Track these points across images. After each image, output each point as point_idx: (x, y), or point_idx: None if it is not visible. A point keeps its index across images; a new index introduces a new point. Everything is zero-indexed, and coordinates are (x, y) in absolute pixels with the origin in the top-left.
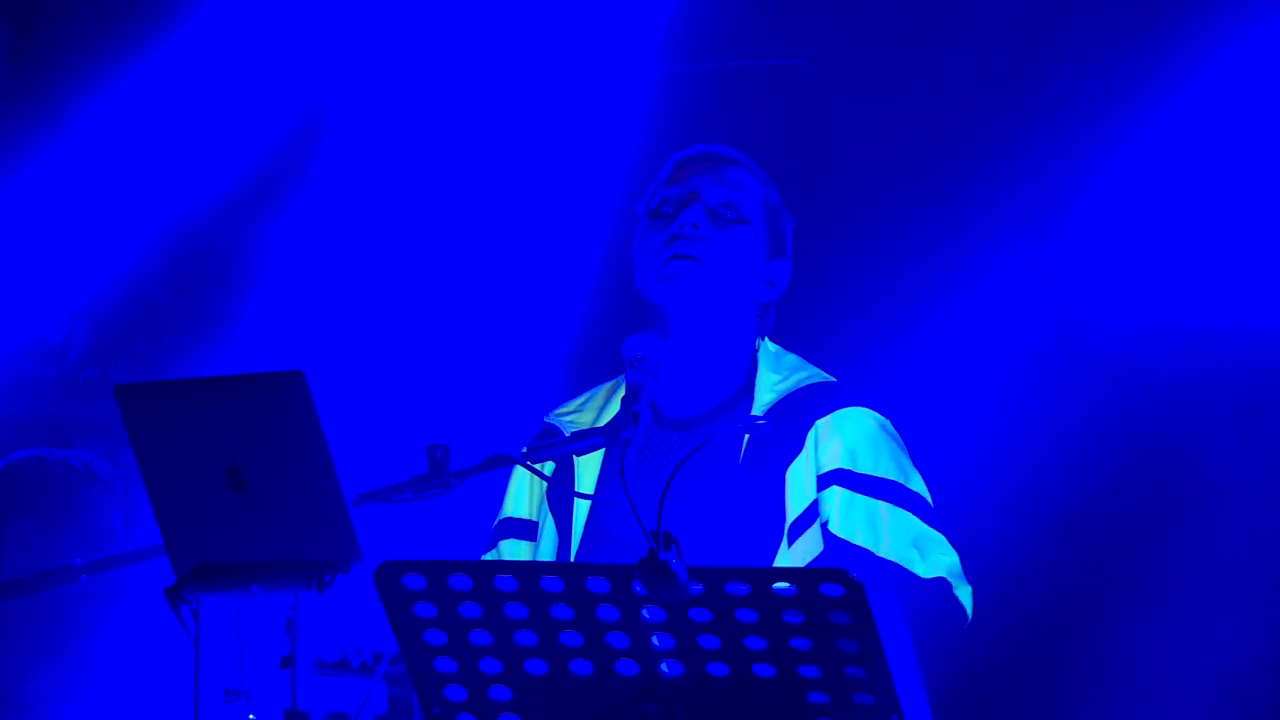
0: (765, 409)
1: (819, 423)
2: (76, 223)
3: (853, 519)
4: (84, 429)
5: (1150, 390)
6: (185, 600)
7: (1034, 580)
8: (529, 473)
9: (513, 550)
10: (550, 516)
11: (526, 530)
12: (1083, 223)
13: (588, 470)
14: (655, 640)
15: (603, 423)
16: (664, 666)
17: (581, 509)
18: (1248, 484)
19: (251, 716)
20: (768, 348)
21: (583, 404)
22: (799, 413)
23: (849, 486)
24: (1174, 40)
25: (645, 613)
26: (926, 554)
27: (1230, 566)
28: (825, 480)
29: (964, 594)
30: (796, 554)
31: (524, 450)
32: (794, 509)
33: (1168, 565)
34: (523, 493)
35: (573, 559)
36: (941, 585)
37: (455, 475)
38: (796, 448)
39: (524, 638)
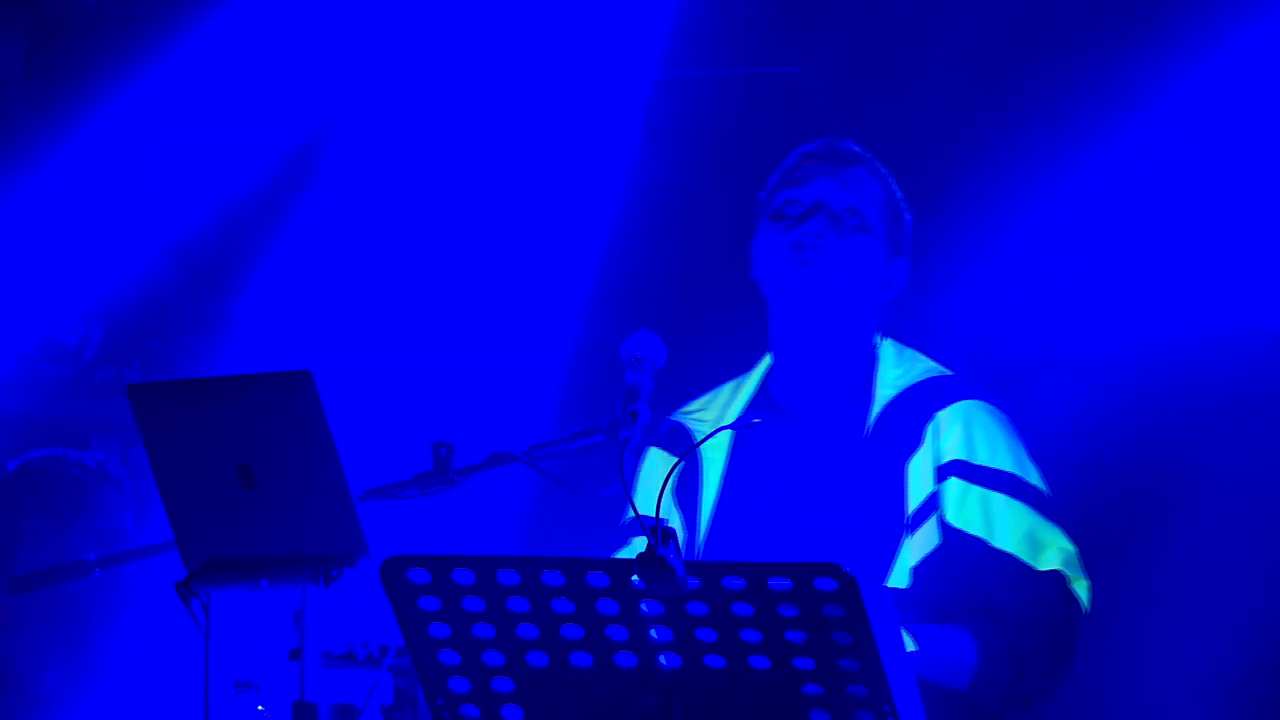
0: (885, 403)
1: (938, 415)
2: (91, 225)
3: (968, 510)
4: (98, 427)
5: (1140, 392)
6: (196, 594)
7: None
8: (658, 467)
9: (643, 546)
10: (678, 514)
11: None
12: (1072, 226)
13: (713, 468)
14: (653, 633)
15: (728, 419)
16: (662, 659)
17: (706, 506)
18: (1237, 480)
19: (261, 707)
20: (888, 346)
21: (707, 402)
22: (918, 406)
23: (966, 478)
24: (1164, 50)
25: (644, 606)
26: (1041, 546)
27: (1221, 564)
28: (943, 472)
29: (1080, 587)
30: (916, 546)
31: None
32: (914, 501)
33: (1158, 565)
34: (651, 489)
35: (699, 555)
36: (1056, 578)
37: (459, 472)
38: (916, 441)
39: (526, 631)
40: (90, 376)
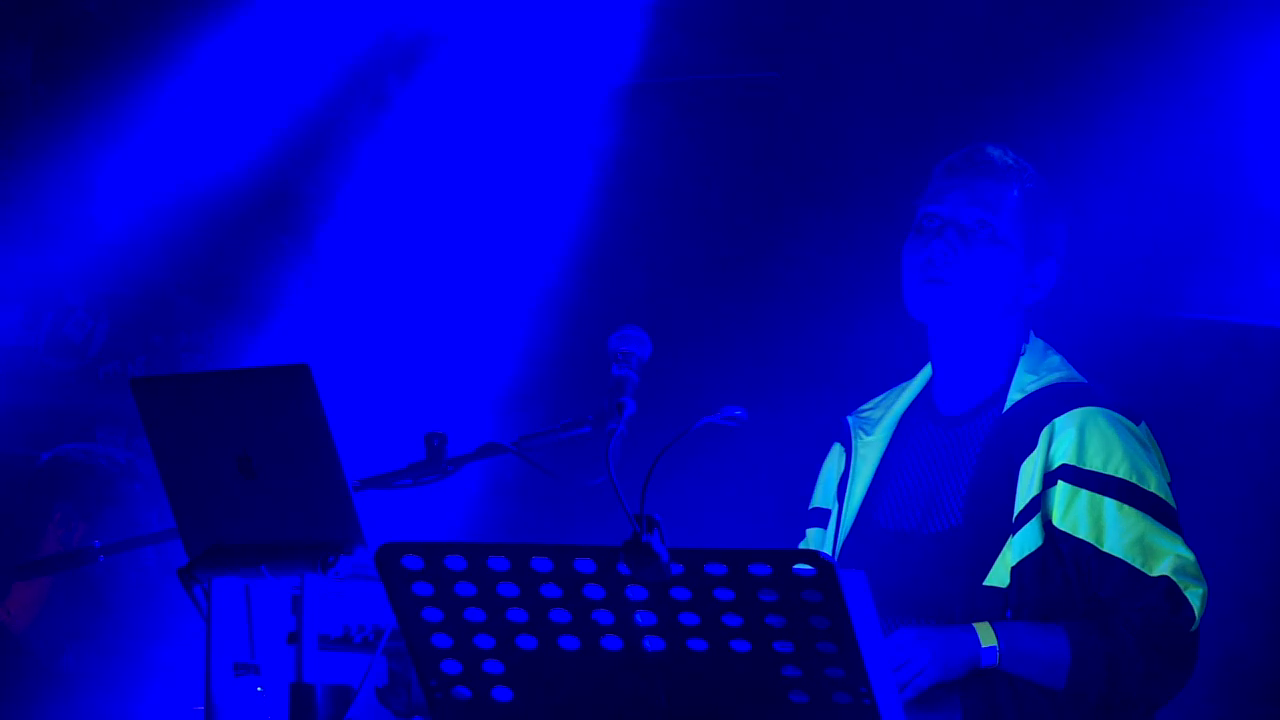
0: (1011, 406)
1: (1056, 421)
2: (96, 226)
3: (1075, 513)
4: (103, 419)
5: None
6: (198, 580)
7: None
8: (834, 462)
9: (816, 538)
10: (836, 505)
11: (823, 518)
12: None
13: (865, 464)
14: (638, 617)
15: (890, 418)
16: (646, 642)
17: (853, 500)
18: (1210, 472)
19: (260, 689)
20: (1035, 347)
21: (878, 403)
22: (1039, 411)
23: (1073, 482)
24: (1147, 55)
25: (629, 592)
26: (1153, 553)
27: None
28: (1052, 476)
29: (1193, 595)
30: (1017, 546)
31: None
32: (1020, 502)
33: None
34: (828, 483)
35: (838, 549)
36: (1166, 584)
37: (451, 462)
38: (1031, 445)
39: (515, 615)
40: (96, 370)
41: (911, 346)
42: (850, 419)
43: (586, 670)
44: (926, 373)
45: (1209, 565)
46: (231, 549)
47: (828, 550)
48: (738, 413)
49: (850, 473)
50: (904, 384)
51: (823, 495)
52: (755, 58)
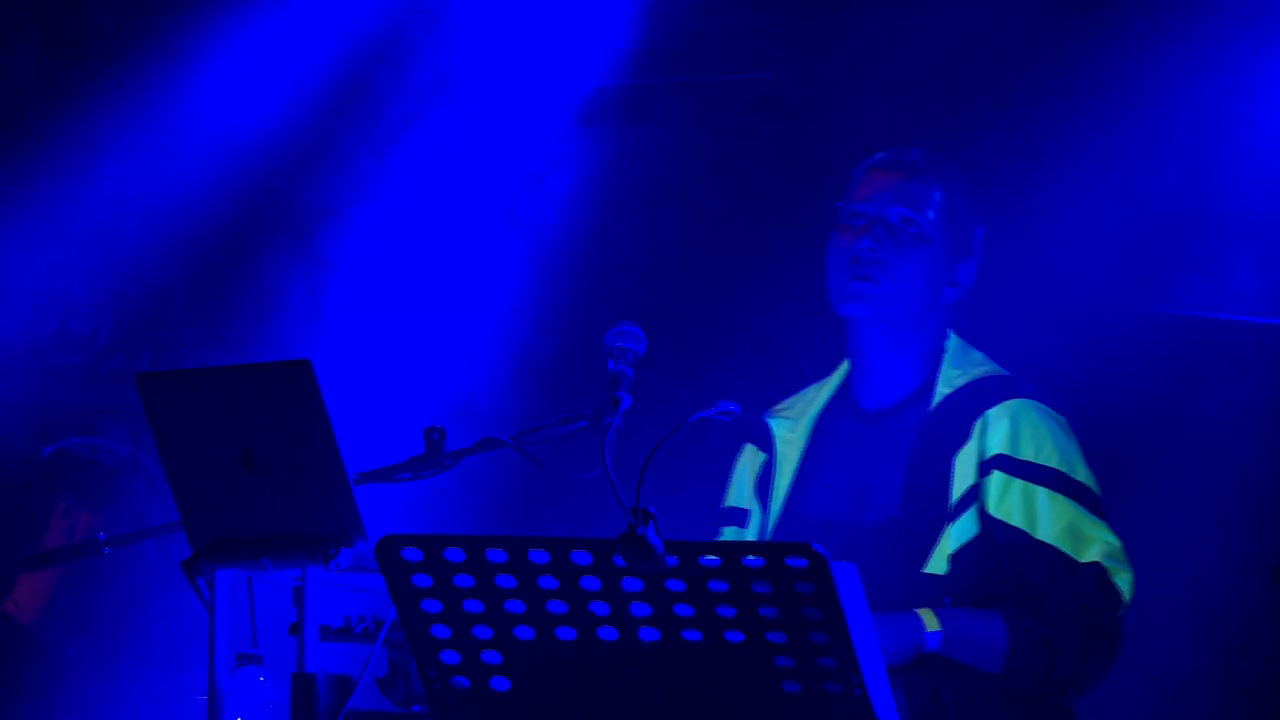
0: (941, 400)
1: (988, 413)
2: (103, 223)
3: (1009, 502)
4: (108, 414)
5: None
6: (201, 572)
7: None
8: (748, 462)
9: (732, 536)
10: (758, 503)
11: (740, 518)
12: (1047, 224)
13: (788, 463)
14: (634, 609)
15: (809, 415)
16: (642, 633)
17: (778, 496)
18: (1193, 461)
19: (262, 679)
20: (954, 344)
21: (794, 401)
22: (970, 404)
23: (1008, 471)
24: (1140, 56)
25: (625, 583)
26: (1083, 539)
27: (1179, 547)
28: (987, 466)
29: (1122, 580)
30: (955, 535)
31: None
32: (956, 492)
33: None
34: (742, 482)
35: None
36: (1096, 570)
37: (450, 456)
38: (965, 436)
39: (513, 606)
40: (101, 365)
41: (826, 342)
42: (768, 418)
43: (583, 660)
44: (844, 369)
45: (1194, 560)
46: (234, 541)
47: None
48: (732, 408)
49: (773, 470)
50: (819, 382)
51: (737, 495)
52: (750, 59)
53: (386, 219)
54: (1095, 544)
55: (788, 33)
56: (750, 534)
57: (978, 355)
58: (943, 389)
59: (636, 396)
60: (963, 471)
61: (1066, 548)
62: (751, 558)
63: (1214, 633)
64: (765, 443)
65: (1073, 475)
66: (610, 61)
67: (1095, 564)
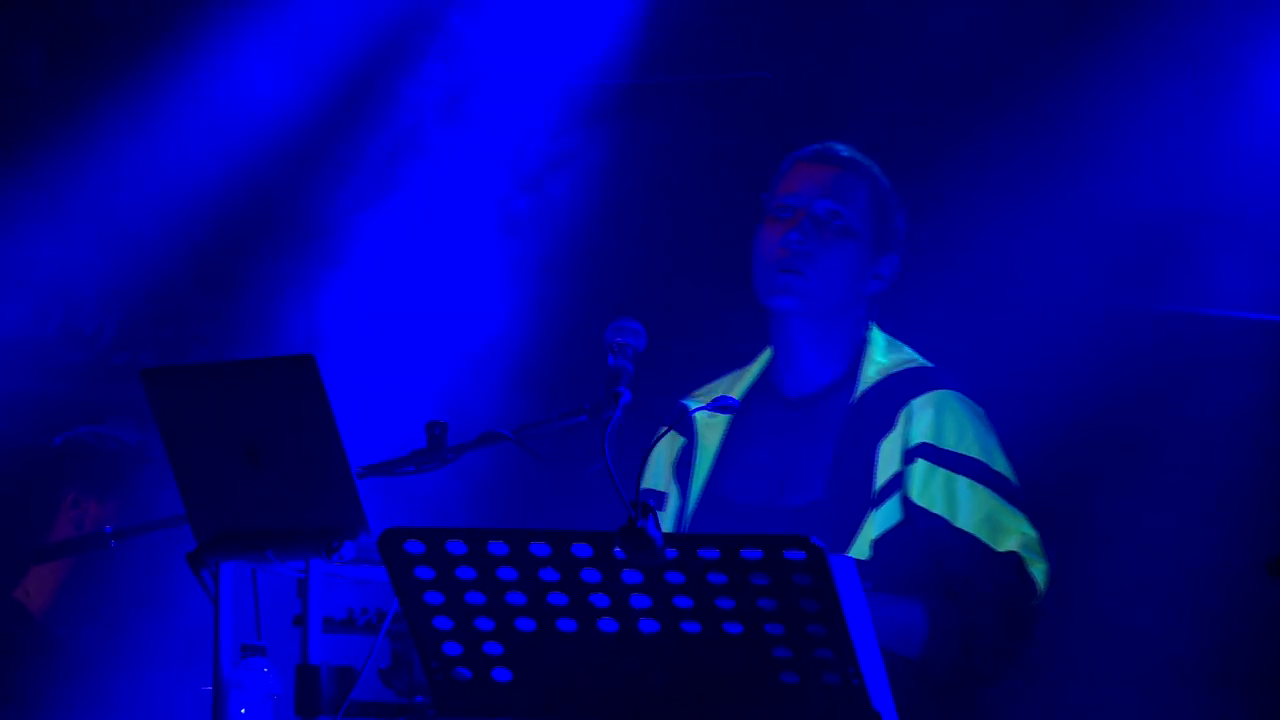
0: (865, 389)
1: (912, 402)
2: (108, 222)
3: (932, 490)
4: (114, 409)
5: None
6: (206, 564)
7: None
8: (665, 446)
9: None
10: (676, 487)
11: (657, 500)
12: (1038, 222)
13: (708, 448)
14: (634, 600)
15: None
16: (642, 624)
17: (698, 478)
18: (1175, 454)
19: (266, 669)
20: (877, 335)
21: (713, 387)
22: (895, 394)
23: (931, 460)
24: (1133, 57)
25: (625, 575)
26: (1002, 529)
27: (1163, 540)
28: (911, 454)
29: (1037, 570)
30: (878, 521)
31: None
32: (880, 479)
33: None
34: (658, 465)
35: (686, 525)
36: (1013, 559)
37: (452, 450)
38: (889, 424)
39: (514, 598)
40: (107, 361)
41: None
42: (689, 403)
43: (584, 651)
44: (766, 356)
45: (1186, 554)
46: (239, 534)
47: (669, 528)
48: (730, 402)
49: (693, 454)
50: (740, 369)
51: (653, 478)
52: (747, 58)
53: (389, 218)
54: (1013, 534)
55: (789, 31)
56: (668, 516)
57: (901, 346)
58: (868, 378)
59: (636, 391)
60: (887, 459)
61: (985, 537)
62: (750, 550)
63: (1206, 625)
64: (684, 427)
65: (993, 466)
66: (610, 61)
67: (1012, 554)
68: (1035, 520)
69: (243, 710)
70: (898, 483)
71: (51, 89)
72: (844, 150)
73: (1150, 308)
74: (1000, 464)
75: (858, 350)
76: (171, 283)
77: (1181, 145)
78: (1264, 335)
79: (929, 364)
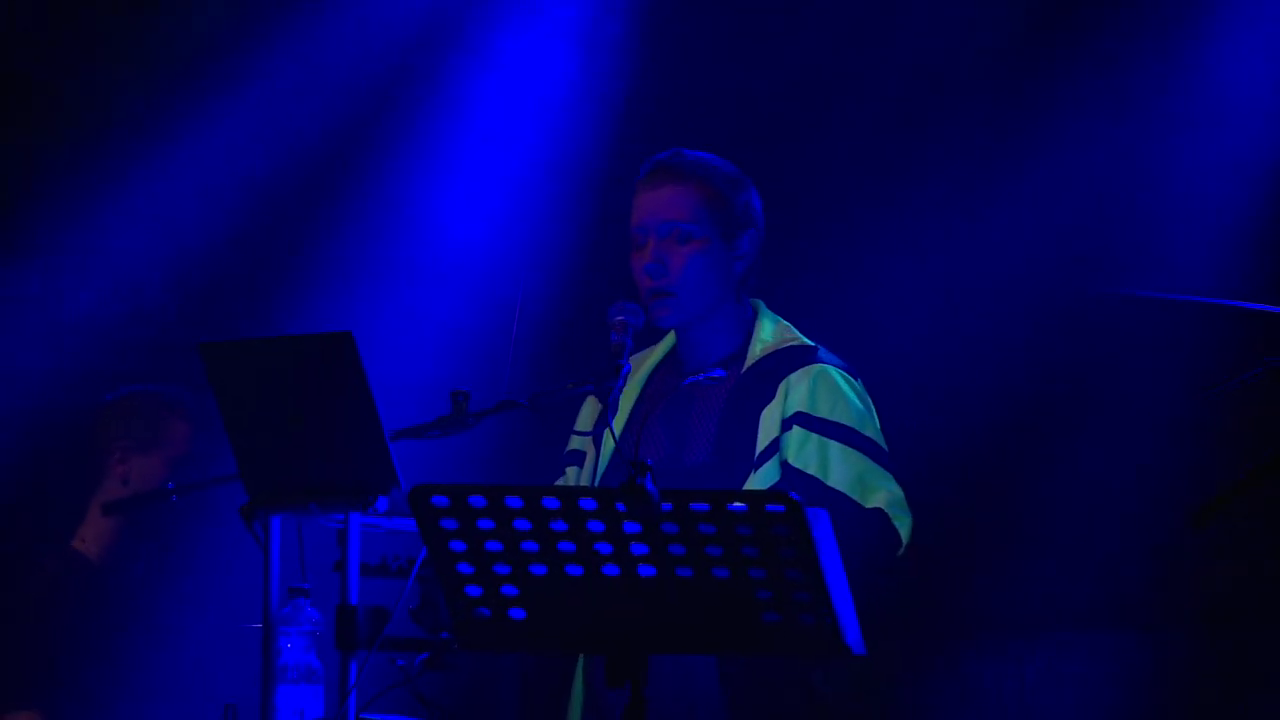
0: (753, 363)
1: (791, 375)
2: (171, 215)
3: (806, 453)
4: (175, 379)
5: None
6: (256, 516)
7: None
8: (588, 411)
9: (574, 475)
10: (593, 446)
11: (578, 459)
12: (1016, 211)
13: (622, 411)
14: (633, 549)
15: (641, 374)
16: (640, 570)
17: (609, 441)
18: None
19: (309, 606)
20: (765, 314)
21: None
22: (777, 367)
23: (806, 426)
24: (1116, 51)
25: (626, 527)
26: (869, 488)
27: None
28: (788, 422)
29: (902, 524)
30: (757, 481)
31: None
32: (762, 443)
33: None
34: (582, 428)
35: (598, 480)
36: (880, 515)
37: (474, 416)
38: (770, 395)
39: (528, 546)
40: (168, 337)
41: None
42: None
43: (589, 593)
44: (671, 339)
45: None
46: (285, 490)
47: (587, 482)
48: (720, 374)
49: (609, 419)
50: (651, 347)
51: (580, 439)
52: (744, 57)
53: (416, 213)
54: (879, 492)
55: (787, 31)
56: (586, 472)
57: (786, 325)
58: (753, 355)
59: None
60: (768, 426)
61: (854, 494)
62: (735, 504)
63: (1138, 576)
64: (602, 393)
65: (863, 432)
66: (610, 60)
67: (878, 510)
68: (901, 479)
69: (289, 644)
70: (775, 447)
71: (132, 94)
72: (668, 158)
73: (1086, 290)
74: (870, 430)
75: (747, 328)
76: (226, 266)
77: (1128, 134)
78: (1187, 315)
79: (810, 343)
